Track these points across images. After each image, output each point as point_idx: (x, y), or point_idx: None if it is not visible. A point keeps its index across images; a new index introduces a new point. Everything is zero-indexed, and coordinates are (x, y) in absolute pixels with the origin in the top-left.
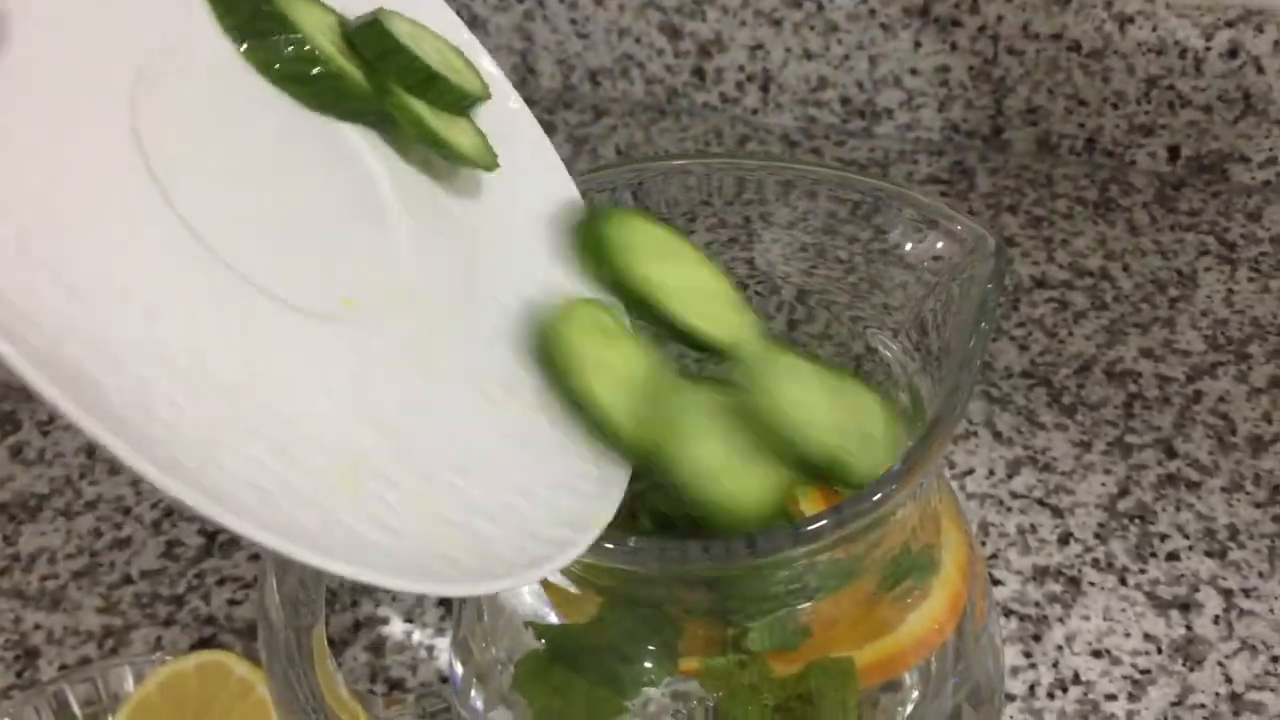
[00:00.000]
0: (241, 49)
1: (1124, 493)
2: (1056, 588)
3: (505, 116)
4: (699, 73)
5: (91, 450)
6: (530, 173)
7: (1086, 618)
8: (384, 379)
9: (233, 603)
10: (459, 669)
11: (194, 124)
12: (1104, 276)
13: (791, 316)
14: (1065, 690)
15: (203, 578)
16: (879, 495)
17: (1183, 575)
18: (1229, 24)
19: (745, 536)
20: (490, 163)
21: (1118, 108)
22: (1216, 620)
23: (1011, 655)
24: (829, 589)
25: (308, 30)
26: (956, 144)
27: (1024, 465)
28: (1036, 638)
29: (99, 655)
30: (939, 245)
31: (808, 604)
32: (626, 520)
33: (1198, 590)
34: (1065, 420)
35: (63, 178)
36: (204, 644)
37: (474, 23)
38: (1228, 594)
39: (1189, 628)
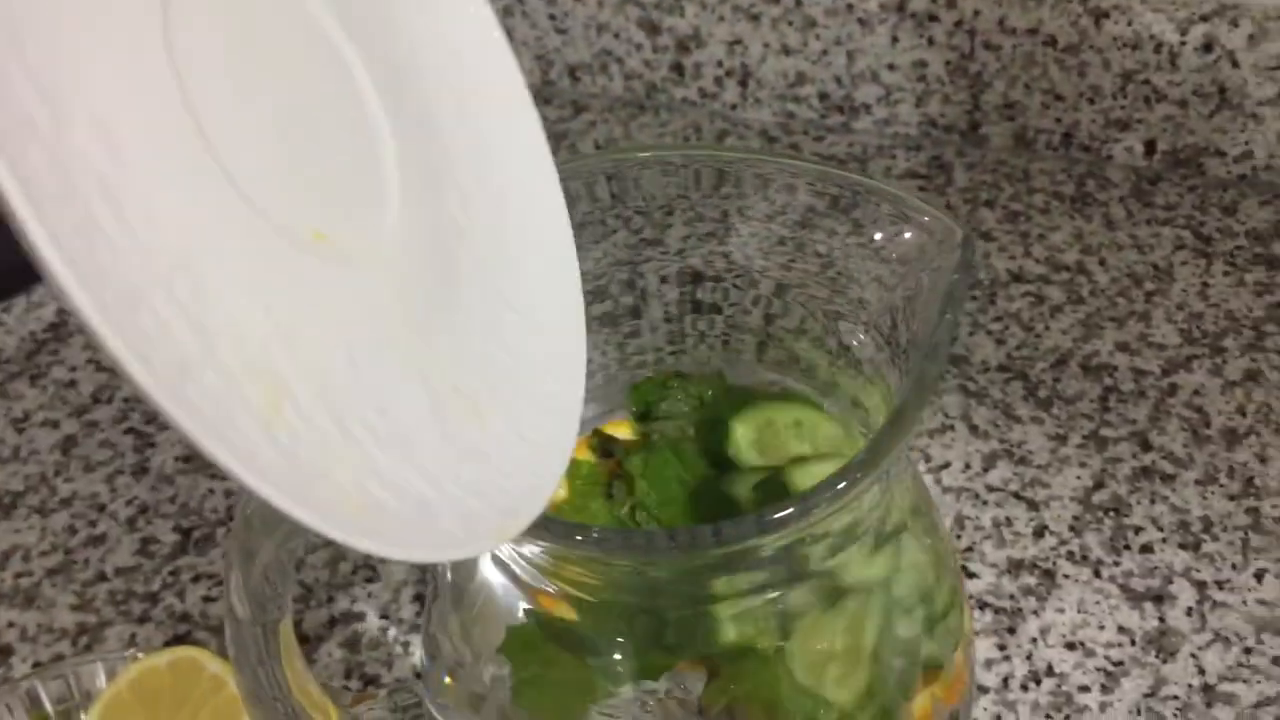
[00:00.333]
0: None
1: (1099, 485)
2: (1031, 580)
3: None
4: (678, 68)
5: (67, 448)
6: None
7: (1061, 610)
8: (328, 323)
9: (207, 600)
10: (429, 663)
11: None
12: (1080, 271)
13: (768, 311)
14: (1039, 682)
15: (177, 575)
16: (843, 484)
17: (1156, 567)
18: (1203, 18)
19: (711, 525)
20: None
21: (1094, 102)
22: (1190, 612)
23: (986, 648)
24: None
25: None
26: (934, 139)
27: (1000, 459)
28: (1011, 630)
29: (73, 653)
30: (907, 236)
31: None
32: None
33: (1171, 582)
34: (1041, 414)
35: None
36: (178, 641)
37: None
38: (1201, 586)
39: (1162, 620)
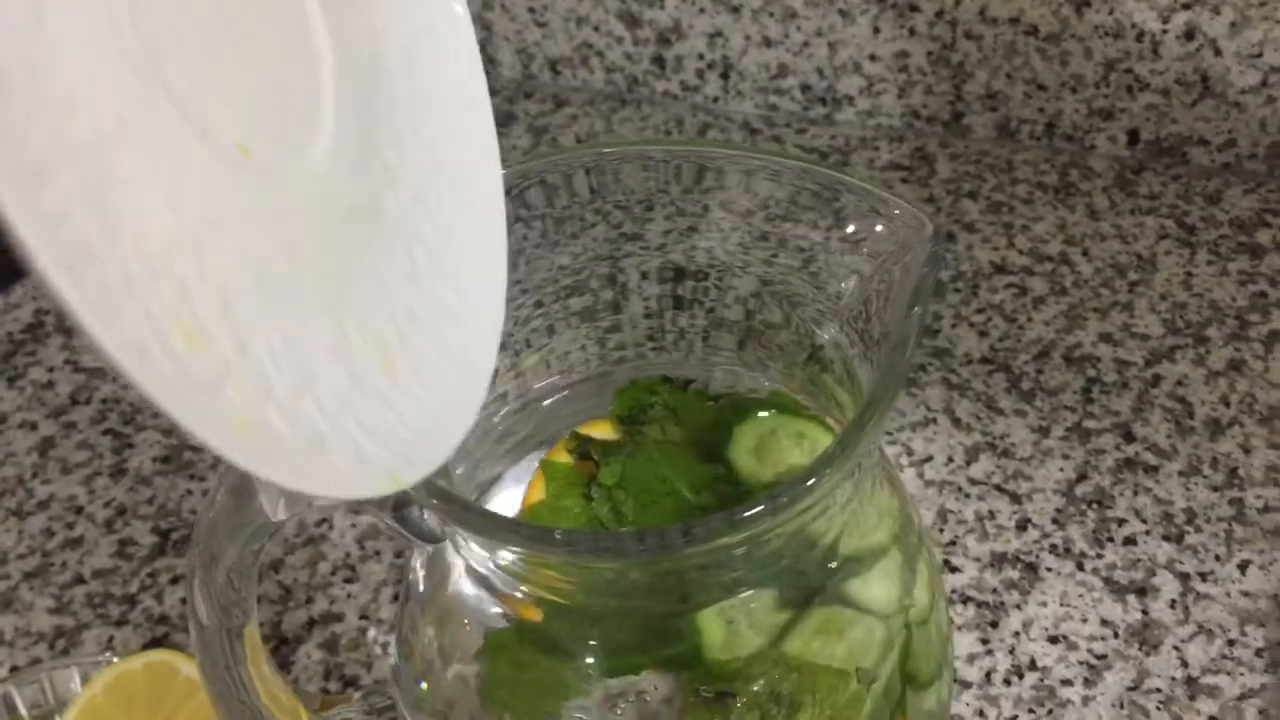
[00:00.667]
0: None
1: (1082, 478)
2: (1014, 574)
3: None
4: (659, 61)
5: (44, 449)
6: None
7: (1044, 603)
8: (239, 240)
9: (185, 601)
10: (402, 665)
11: None
12: (1064, 261)
13: (748, 307)
14: (1022, 676)
15: (155, 577)
16: (813, 479)
17: (1140, 560)
18: (1185, 6)
19: (680, 526)
20: None
21: (1076, 92)
22: (1173, 604)
23: (968, 642)
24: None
25: None
26: (917, 130)
27: (983, 451)
28: (994, 624)
29: (50, 656)
30: (879, 229)
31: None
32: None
33: (1154, 574)
34: (1024, 406)
35: None
36: (156, 643)
37: None
38: (1184, 578)
39: (1145, 612)
